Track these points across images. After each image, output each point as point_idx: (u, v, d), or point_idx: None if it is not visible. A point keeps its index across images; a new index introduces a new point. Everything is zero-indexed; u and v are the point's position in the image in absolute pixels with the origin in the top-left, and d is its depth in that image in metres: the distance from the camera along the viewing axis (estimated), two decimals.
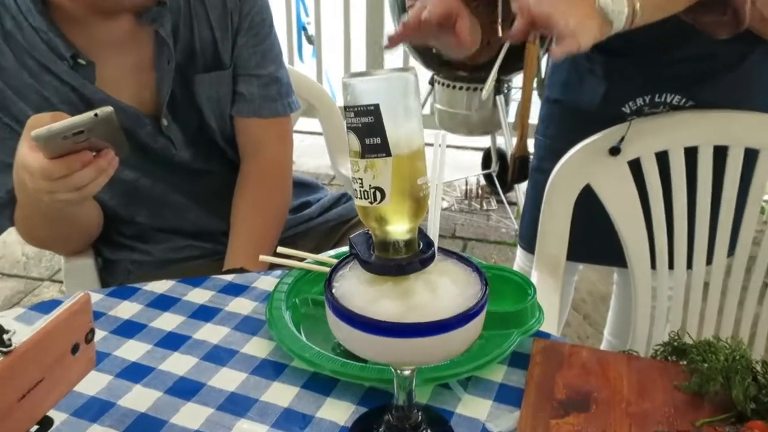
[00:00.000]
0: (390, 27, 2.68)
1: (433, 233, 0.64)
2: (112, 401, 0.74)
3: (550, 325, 1.09)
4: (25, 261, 2.54)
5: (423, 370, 0.76)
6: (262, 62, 1.20)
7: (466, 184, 2.93)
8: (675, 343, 0.79)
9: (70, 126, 0.80)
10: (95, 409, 0.73)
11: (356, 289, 0.61)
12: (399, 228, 0.61)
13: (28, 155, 0.86)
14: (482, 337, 0.81)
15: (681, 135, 1.25)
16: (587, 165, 1.28)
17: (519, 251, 1.55)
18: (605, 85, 1.30)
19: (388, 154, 0.59)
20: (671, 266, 1.34)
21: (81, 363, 0.66)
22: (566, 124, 1.39)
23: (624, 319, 1.64)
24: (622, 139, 1.23)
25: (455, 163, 3.35)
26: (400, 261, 0.61)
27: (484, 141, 3.04)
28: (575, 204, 1.28)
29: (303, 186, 1.38)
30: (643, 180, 1.28)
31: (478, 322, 0.60)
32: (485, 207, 2.86)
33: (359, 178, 0.60)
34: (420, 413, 0.69)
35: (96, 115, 0.80)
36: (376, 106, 0.58)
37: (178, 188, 1.22)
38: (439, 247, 0.65)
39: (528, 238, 1.49)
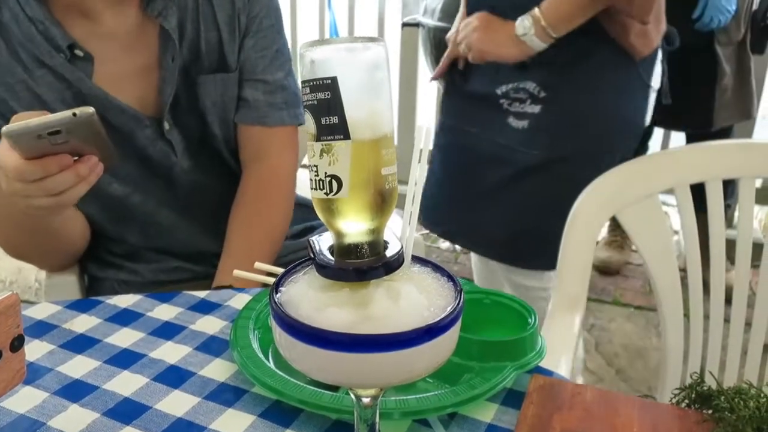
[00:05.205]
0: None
1: (407, 241, 0.55)
2: (41, 421, 0.65)
3: (563, 367, 0.97)
4: (38, 287, 2.50)
5: (398, 402, 0.65)
6: (270, 68, 1.13)
7: None
8: (698, 388, 0.67)
9: (46, 124, 0.74)
10: (20, 429, 0.64)
11: (305, 294, 0.52)
12: (359, 226, 0.52)
13: (4, 154, 0.81)
14: (472, 369, 0.71)
15: (720, 165, 1.14)
16: (615, 195, 1.17)
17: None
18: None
19: (347, 137, 0.50)
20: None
21: (4, 374, 0.58)
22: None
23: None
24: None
25: None
26: (360, 265, 0.52)
27: None
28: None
29: (308, 209, 1.28)
30: None
31: (447, 340, 0.50)
32: None
33: (314, 165, 0.52)
34: None
35: (75, 114, 0.74)
36: (334, 80, 0.49)
37: (171, 205, 1.14)
38: (413, 256, 0.56)
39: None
